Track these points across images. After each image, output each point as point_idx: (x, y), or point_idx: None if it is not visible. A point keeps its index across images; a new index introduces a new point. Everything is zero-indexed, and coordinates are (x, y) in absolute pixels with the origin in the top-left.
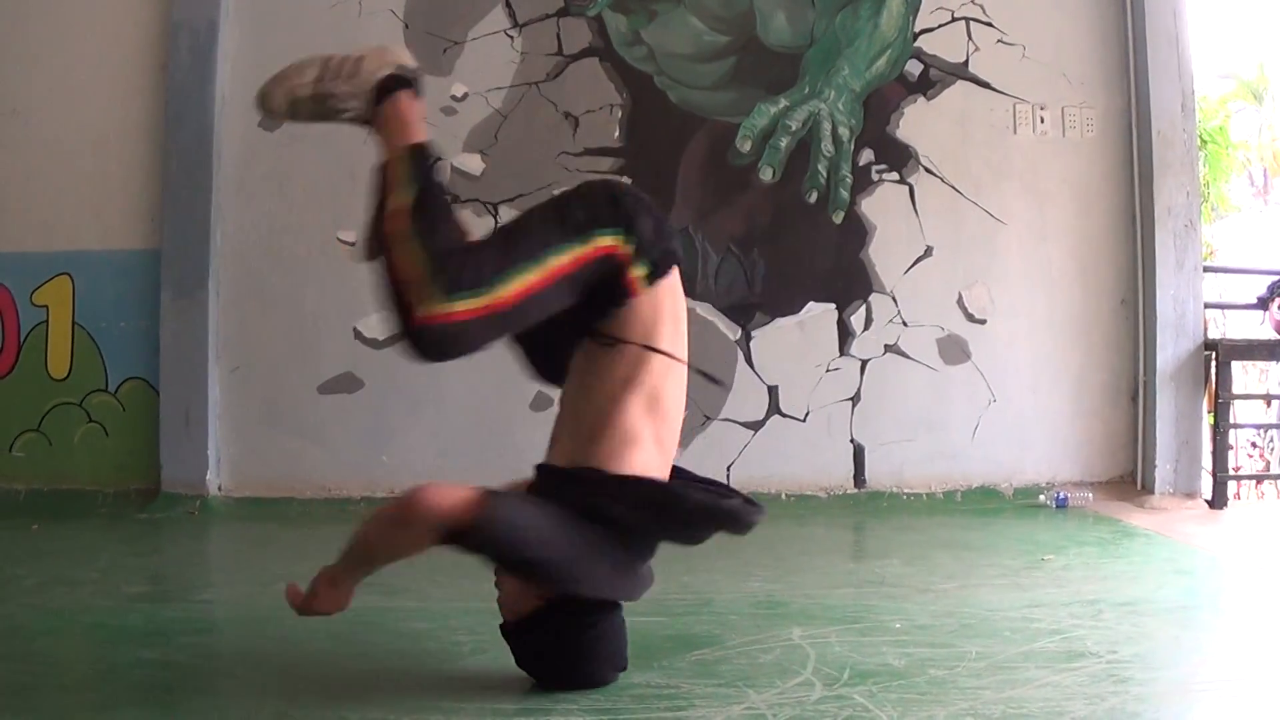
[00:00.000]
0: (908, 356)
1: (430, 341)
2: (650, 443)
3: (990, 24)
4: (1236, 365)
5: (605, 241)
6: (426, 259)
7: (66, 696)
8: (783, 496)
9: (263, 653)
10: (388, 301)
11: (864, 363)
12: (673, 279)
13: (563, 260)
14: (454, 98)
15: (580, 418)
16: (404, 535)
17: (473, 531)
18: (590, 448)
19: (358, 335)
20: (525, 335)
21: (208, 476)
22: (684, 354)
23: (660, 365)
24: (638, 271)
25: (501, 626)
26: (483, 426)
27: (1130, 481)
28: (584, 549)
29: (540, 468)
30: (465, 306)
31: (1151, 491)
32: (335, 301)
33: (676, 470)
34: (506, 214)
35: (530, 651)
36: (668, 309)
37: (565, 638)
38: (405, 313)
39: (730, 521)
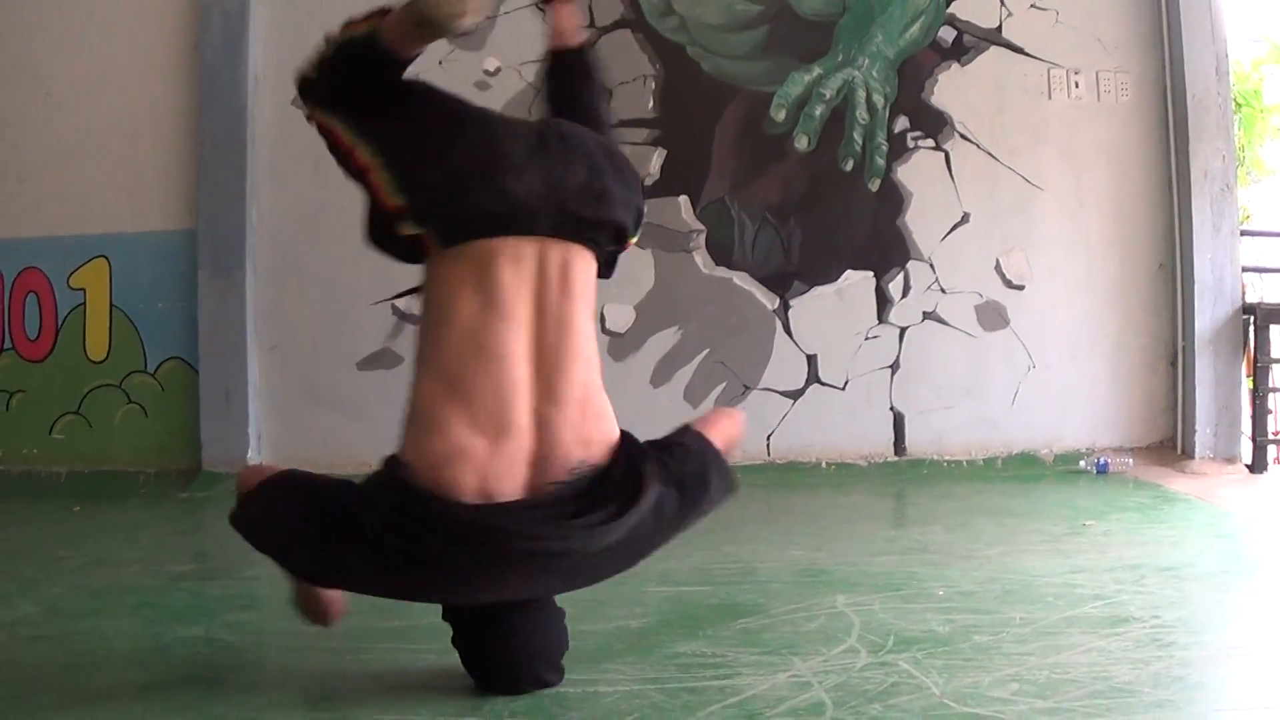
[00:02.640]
0: (946, 323)
1: None
2: None
3: None
4: (1275, 329)
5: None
6: None
7: (113, 675)
8: (823, 465)
9: (307, 629)
10: None
11: (903, 330)
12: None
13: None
14: (487, 72)
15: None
16: None
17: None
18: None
19: (395, 311)
20: None
21: (249, 454)
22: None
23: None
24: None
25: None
26: None
27: (1170, 447)
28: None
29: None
30: None
31: (1191, 456)
32: (372, 278)
33: None
34: None
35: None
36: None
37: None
38: None
39: None
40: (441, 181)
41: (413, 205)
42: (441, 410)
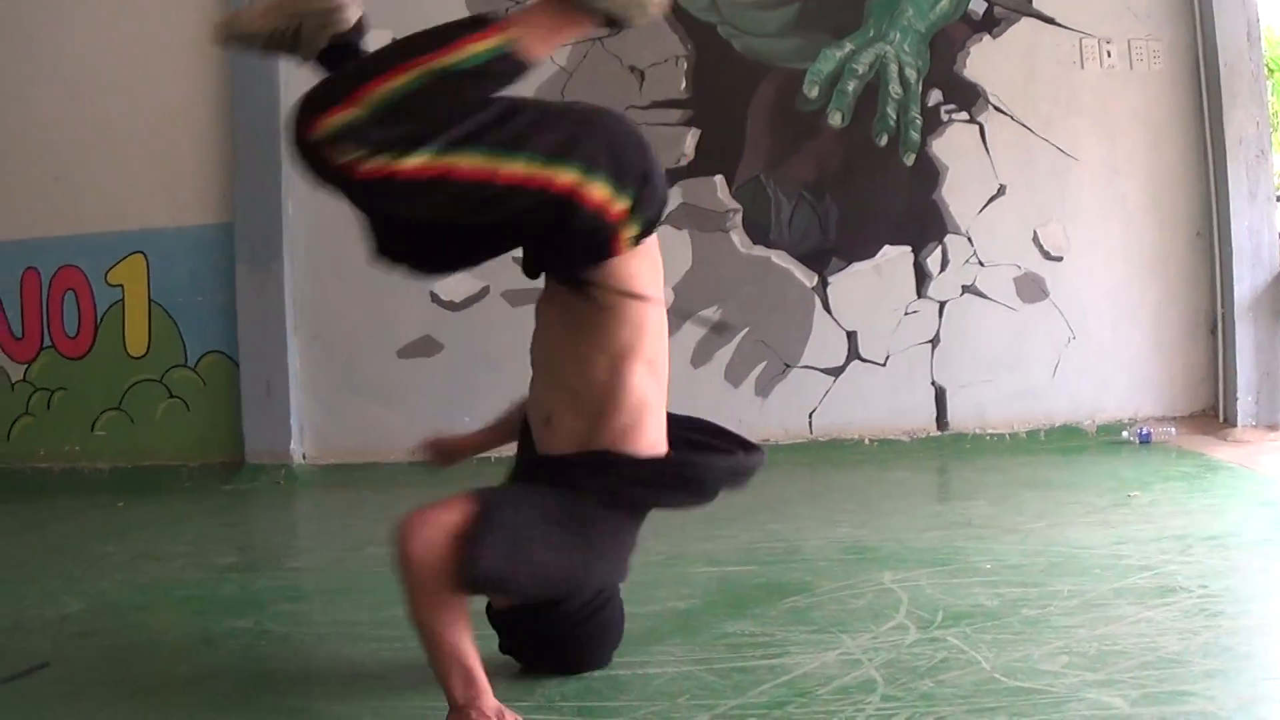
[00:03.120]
0: (985, 296)
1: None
2: (657, 409)
3: None
4: None
5: (595, 191)
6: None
7: (163, 668)
8: (865, 441)
9: (356, 619)
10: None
11: (942, 304)
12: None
13: (517, 170)
14: None
15: (579, 389)
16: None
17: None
18: (602, 426)
19: (434, 299)
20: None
21: (291, 446)
22: (660, 293)
23: (656, 321)
24: (628, 233)
25: (490, 611)
26: None
27: (1212, 415)
28: (593, 548)
29: (549, 460)
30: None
31: (1234, 424)
32: None
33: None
34: None
35: (531, 640)
36: (647, 251)
37: (570, 626)
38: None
39: (746, 477)
40: (653, 170)
41: (636, 204)
42: (651, 394)
